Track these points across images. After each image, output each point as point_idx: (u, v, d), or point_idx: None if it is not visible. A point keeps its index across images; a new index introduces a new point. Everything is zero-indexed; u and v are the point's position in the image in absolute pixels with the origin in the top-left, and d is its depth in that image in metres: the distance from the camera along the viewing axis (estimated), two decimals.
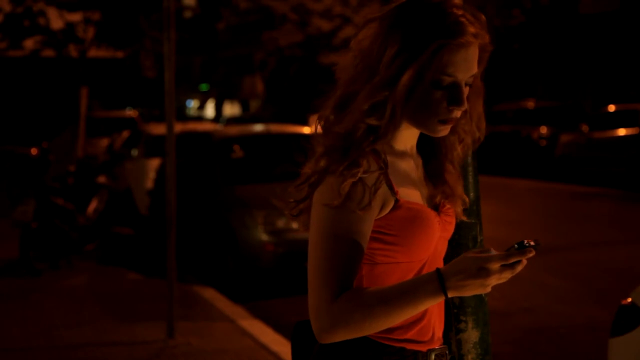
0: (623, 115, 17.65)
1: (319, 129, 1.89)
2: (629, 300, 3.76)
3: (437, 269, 1.73)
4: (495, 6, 26.17)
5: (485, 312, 2.45)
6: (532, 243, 1.69)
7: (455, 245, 2.42)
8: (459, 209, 1.97)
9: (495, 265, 1.67)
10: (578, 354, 5.97)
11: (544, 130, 20.55)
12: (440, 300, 1.73)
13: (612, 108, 18.28)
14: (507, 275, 1.69)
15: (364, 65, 1.82)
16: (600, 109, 19.45)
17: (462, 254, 2.39)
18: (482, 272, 1.67)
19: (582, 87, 26.18)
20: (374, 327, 1.75)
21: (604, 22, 24.95)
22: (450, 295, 1.71)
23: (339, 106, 1.85)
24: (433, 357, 1.89)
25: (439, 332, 1.94)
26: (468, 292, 1.71)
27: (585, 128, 18.55)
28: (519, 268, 1.69)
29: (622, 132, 17.40)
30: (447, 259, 2.41)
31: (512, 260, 1.67)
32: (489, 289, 1.71)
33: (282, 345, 6.00)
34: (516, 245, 1.69)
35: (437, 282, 1.70)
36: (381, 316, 1.72)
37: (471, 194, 2.44)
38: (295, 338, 1.97)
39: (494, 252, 1.71)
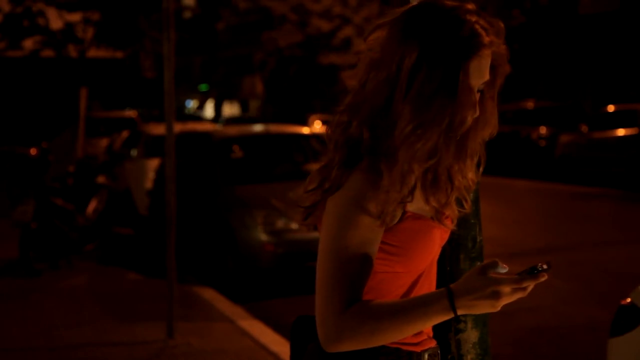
0: (622, 115, 17.65)
1: (337, 136, 1.86)
2: (629, 300, 3.76)
3: (448, 287, 1.72)
4: (495, 6, 26.17)
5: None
6: (544, 267, 1.69)
7: (455, 246, 2.42)
8: (455, 213, 1.96)
9: (507, 289, 1.68)
10: (578, 354, 5.98)
11: (543, 130, 20.55)
12: (449, 317, 1.73)
13: (611, 108, 18.29)
14: (517, 296, 1.70)
15: (380, 74, 1.80)
16: (599, 109, 19.46)
17: (461, 253, 2.42)
18: (494, 294, 1.68)
19: (582, 88, 26.19)
20: (380, 340, 1.75)
21: (603, 23, 24.95)
22: (459, 313, 1.71)
23: (367, 120, 1.82)
24: (426, 357, 1.90)
25: (430, 332, 1.95)
26: (477, 311, 1.71)
27: (584, 128, 18.56)
28: (530, 289, 1.70)
29: (621, 132, 17.41)
30: (446, 260, 2.41)
31: (524, 285, 1.68)
32: (498, 309, 1.71)
33: (281, 346, 6.00)
34: (528, 269, 1.70)
35: (447, 300, 1.71)
36: (389, 330, 1.73)
37: (471, 194, 2.44)
38: (295, 332, 1.97)
39: (501, 265, 1.71)
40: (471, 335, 2.42)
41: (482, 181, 2.54)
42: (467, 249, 2.43)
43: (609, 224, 11.97)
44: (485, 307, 1.70)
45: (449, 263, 2.42)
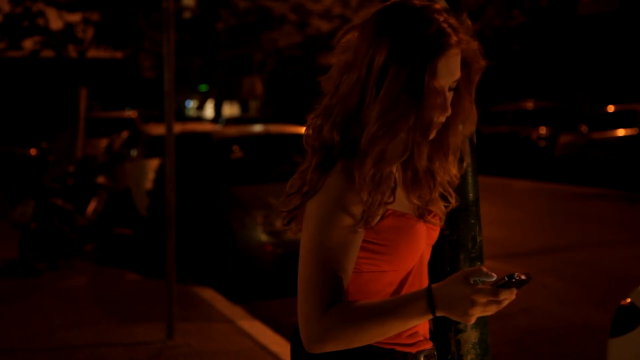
0: (622, 115, 17.65)
1: (313, 140, 1.88)
2: (629, 300, 3.76)
3: (429, 287, 1.73)
4: (495, 7, 26.16)
5: None
6: (522, 277, 1.69)
7: (455, 246, 2.41)
8: (441, 209, 1.97)
9: (483, 299, 1.68)
10: (577, 354, 5.98)
11: (543, 130, 20.55)
12: (429, 317, 1.74)
13: (611, 108, 18.28)
14: (492, 309, 1.70)
15: (351, 77, 1.81)
16: (599, 110, 19.46)
17: (461, 254, 2.41)
18: (467, 301, 1.68)
19: (581, 88, 26.19)
20: (363, 341, 1.76)
21: (603, 23, 24.96)
22: (438, 314, 1.72)
23: (340, 123, 1.83)
24: (422, 358, 1.91)
25: (426, 333, 1.96)
26: (453, 316, 1.72)
27: (584, 128, 18.56)
28: (506, 303, 1.70)
29: (621, 132, 17.41)
30: (446, 260, 2.41)
31: (500, 298, 1.68)
32: (472, 320, 1.71)
33: (281, 346, 5.99)
34: (506, 278, 1.69)
35: (426, 301, 1.71)
36: (372, 331, 1.74)
37: (470, 195, 2.43)
38: (295, 342, 1.97)
39: (485, 272, 1.70)
40: (471, 335, 2.41)
41: (482, 181, 2.54)
42: (467, 249, 2.43)
43: (609, 224, 11.97)
44: (459, 314, 1.70)
45: (449, 263, 2.41)
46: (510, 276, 1.68)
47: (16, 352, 6.13)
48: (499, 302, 1.69)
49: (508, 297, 1.68)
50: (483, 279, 1.70)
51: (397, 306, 1.73)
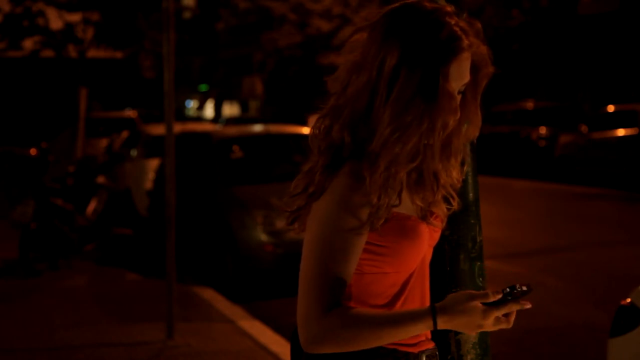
0: (622, 115, 17.64)
1: (320, 140, 1.87)
2: (629, 300, 3.76)
3: (433, 306, 1.75)
4: (494, 7, 26.16)
5: None
6: (524, 288, 1.71)
7: (455, 246, 2.41)
8: (443, 211, 1.97)
9: (490, 321, 1.73)
10: (577, 354, 5.98)
11: (543, 130, 20.55)
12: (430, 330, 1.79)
13: (611, 108, 18.28)
14: (502, 326, 1.76)
15: (361, 78, 1.81)
16: (599, 110, 19.45)
17: (461, 254, 2.41)
18: (477, 327, 1.74)
19: (581, 88, 26.19)
20: (361, 346, 1.77)
21: (603, 23, 24.95)
22: (440, 328, 1.76)
23: (348, 124, 1.83)
24: (424, 358, 1.92)
25: (428, 333, 1.96)
26: (458, 330, 1.78)
27: (584, 128, 18.55)
28: (513, 317, 1.76)
29: (621, 132, 17.40)
30: (446, 260, 2.41)
31: (509, 310, 1.73)
32: (474, 333, 1.78)
33: (281, 346, 5.99)
34: (508, 289, 1.71)
35: (430, 320, 1.75)
36: (369, 338, 1.76)
37: (470, 195, 2.43)
38: (295, 342, 1.97)
39: (490, 295, 1.73)
40: (471, 335, 2.41)
41: (482, 181, 2.54)
42: (467, 249, 2.43)
43: (609, 224, 11.96)
44: (465, 331, 1.77)
45: (449, 263, 2.41)
46: (512, 287, 1.70)
47: (16, 352, 6.13)
48: (507, 319, 1.75)
49: (515, 310, 1.74)
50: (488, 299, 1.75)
51: (399, 320, 1.75)
